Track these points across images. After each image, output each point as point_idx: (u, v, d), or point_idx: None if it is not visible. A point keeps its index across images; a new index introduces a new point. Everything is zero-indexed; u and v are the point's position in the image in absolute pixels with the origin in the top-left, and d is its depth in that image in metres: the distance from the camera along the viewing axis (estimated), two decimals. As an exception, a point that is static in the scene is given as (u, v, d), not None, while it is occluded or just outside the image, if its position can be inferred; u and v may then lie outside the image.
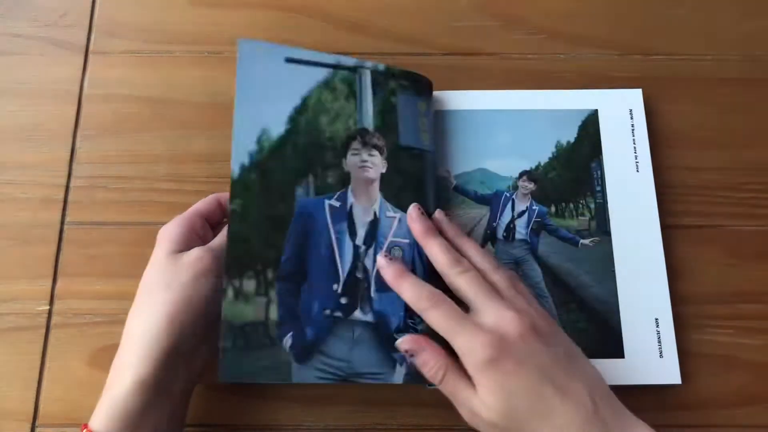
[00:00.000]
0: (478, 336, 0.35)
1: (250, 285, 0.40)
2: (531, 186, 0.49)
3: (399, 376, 0.41)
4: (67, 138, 0.51)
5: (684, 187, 0.50)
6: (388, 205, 0.44)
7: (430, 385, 0.43)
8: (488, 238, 0.48)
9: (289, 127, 0.44)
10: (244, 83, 0.44)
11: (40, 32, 0.54)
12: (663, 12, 0.55)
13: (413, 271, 0.42)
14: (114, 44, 0.54)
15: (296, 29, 0.54)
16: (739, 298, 0.47)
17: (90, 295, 0.47)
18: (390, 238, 0.43)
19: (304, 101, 0.45)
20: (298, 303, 0.41)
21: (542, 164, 0.49)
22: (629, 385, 0.43)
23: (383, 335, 0.41)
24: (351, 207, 0.43)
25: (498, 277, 0.39)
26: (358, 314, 0.41)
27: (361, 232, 0.43)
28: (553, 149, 0.50)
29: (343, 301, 0.42)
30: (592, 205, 0.48)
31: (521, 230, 0.48)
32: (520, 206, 0.49)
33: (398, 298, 0.40)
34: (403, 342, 0.39)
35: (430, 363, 0.37)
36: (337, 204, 0.43)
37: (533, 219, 0.48)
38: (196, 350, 0.39)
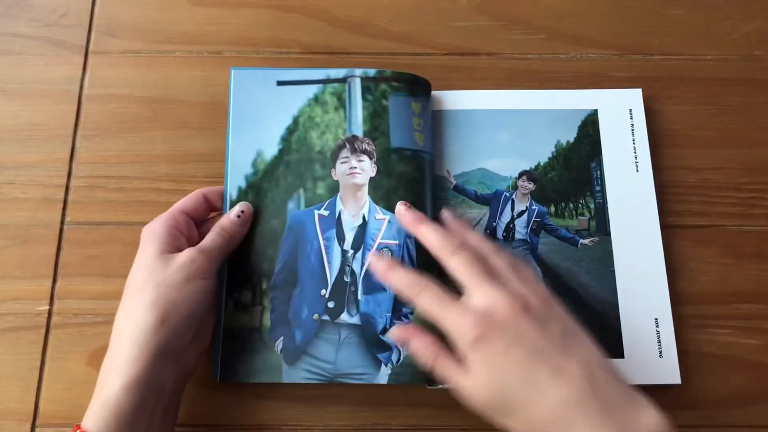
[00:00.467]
0: (465, 317, 0.35)
1: (247, 296, 0.44)
2: (531, 186, 0.49)
3: (383, 376, 0.43)
4: (67, 138, 0.51)
5: (684, 187, 0.50)
6: (377, 208, 0.45)
7: (431, 385, 0.43)
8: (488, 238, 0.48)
9: (281, 147, 0.46)
10: (238, 110, 0.46)
11: (39, 32, 0.54)
12: (663, 12, 0.55)
13: None
14: (114, 44, 0.54)
15: (296, 29, 0.54)
16: (738, 298, 0.47)
17: (90, 295, 0.47)
18: (379, 240, 0.44)
19: (295, 120, 0.46)
20: (289, 309, 0.44)
21: (542, 164, 0.49)
22: (629, 385, 0.43)
23: (369, 337, 0.43)
24: (340, 214, 0.45)
25: (497, 260, 0.39)
26: (345, 317, 0.43)
27: (349, 237, 0.44)
28: (553, 149, 0.50)
29: (331, 305, 0.43)
30: (592, 205, 0.48)
31: (521, 230, 0.48)
32: (520, 206, 0.49)
33: (384, 299, 0.42)
34: (394, 332, 0.39)
35: (420, 350, 0.37)
36: (326, 213, 0.45)
37: (533, 219, 0.48)
38: (186, 349, 0.40)
